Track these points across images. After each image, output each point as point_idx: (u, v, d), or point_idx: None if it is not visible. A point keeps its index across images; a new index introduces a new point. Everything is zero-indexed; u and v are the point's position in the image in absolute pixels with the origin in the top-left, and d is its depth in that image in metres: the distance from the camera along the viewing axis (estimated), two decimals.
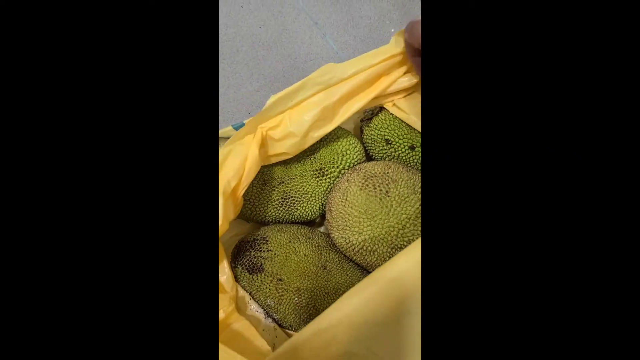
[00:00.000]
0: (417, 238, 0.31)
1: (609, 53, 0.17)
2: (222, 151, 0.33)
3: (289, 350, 0.26)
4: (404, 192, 0.31)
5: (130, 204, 0.18)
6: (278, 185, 0.40)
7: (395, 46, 0.34)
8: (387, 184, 0.32)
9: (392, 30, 0.54)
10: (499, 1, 0.18)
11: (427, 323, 0.17)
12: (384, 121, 0.40)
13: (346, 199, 0.32)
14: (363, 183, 0.32)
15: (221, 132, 0.40)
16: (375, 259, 0.32)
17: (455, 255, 0.17)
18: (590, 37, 0.17)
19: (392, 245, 0.31)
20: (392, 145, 0.40)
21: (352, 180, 0.33)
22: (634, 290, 0.16)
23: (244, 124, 0.38)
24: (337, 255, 0.38)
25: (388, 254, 0.31)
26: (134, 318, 0.18)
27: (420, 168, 0.39)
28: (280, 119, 0.36)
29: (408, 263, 0.25)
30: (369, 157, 0.43)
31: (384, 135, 0.40)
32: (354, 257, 0.33)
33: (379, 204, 0.31)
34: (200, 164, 0.19)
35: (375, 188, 0.32)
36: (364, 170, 0.34)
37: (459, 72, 0.18)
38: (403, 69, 0.37)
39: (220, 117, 0.50)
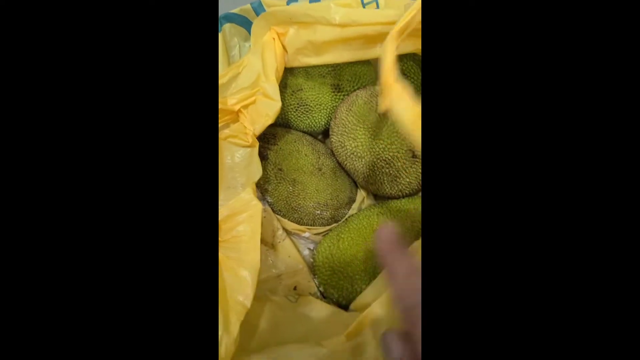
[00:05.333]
0: (399, 154, 0.35)
1: (609, 54, 0.17)
2: (261, 40, 0.36)
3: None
4: None
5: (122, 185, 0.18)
6: (297, 91, 0.44)
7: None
8: None
9: None
10: (499, 2, 0.18)
11: (427, 324, 0.17)
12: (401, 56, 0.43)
13: (350, 109, 0.37)
14: (368, 99, 0.37)
15: (238, 9, 0.42)
16: (361, 165, 0.37)
17: (454, 255, 0.17)
18: (589, 37, 0.17)
19: (377, 156, 0.36)
20: (407, 78, 0.43)
21: (360, 95, 0.37)
22: (633, 290, 0.16)
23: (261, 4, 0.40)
24: (332, 162, 0.43)
25: (372, 163, 0.36)
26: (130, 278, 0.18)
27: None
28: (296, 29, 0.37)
29: None
30: None
31: (400, 67, 0.43)
32: (345, 162, 0.38)
33: (377, 117, 0.35)
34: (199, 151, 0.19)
35: (378, 105, 0.36)
36: (371, 90, 0.38)
37: (458, 71, 0.18)
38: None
39: None
